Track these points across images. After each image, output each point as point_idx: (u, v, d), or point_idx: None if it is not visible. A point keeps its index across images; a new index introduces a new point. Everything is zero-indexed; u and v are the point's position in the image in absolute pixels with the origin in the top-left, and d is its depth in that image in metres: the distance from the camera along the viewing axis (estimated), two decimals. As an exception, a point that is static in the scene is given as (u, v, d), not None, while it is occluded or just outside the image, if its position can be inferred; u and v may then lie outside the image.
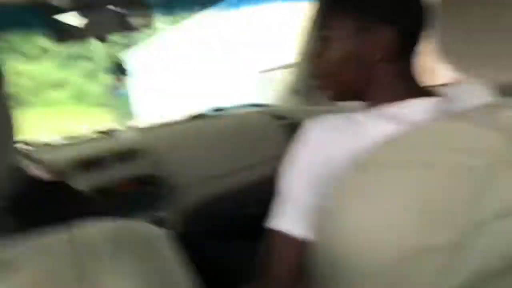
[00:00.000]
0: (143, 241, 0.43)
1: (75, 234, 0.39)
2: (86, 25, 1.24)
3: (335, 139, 0.74)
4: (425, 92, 0.79)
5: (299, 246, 0.73)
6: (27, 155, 1.19)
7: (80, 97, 20.50)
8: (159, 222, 1.38)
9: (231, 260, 1.41)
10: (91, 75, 20.13)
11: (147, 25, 1.33)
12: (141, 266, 0.39)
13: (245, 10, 10.47)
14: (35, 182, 1.07)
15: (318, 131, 0.75)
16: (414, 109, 0.75)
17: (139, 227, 0.47)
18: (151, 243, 0.44)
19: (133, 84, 16.34)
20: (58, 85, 21.04)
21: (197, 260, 1.48)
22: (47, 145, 1.63)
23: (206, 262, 1.47)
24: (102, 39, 1.27)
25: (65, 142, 1.66)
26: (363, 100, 0.86)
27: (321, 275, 0.70)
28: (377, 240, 0.58)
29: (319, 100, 1.93)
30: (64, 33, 1.18)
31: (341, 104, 1.75)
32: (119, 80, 1.23)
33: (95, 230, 0.41)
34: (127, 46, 17.99)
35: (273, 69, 9.45)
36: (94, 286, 0.35)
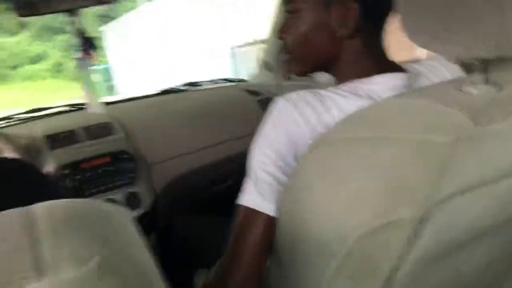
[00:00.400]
0: (103, 220, 0.41)
1: (30, 215, 0.38)
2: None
3: (302, 117, 0.74)
4: (393, 67, 0.81)
5: (266, 223, 0.74)
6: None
7: (59, 71, 20.08)
8: (132, 198, 1.38)
9: (203, 236, 1.42)
10: (69, 49, 19.70)
11: None
12: (101, 246, 0.37)
13: None
14: None
15: (285, 109, 0.76)
16: (381, 85, 0.78)
17: (100, 206, 0.45)
18: (111, 222, 0.41)
19: (113, 58, 16.06)
20: (36, 58, 20.54)
21: (169, 236, 1.51)
22: (18, 119, 1.61)
23: (178, 237, 1.49)
24: (70, 12, 1.24)
25: (36, 115, 1.64)
26: (332, 75, 0.87)
27: (284, 251, 0.71)
28: (339, 215, 0.58)
29: (291, 75, 1.93)
30: (29, 6, 1.16)
31: (314, 79, 1.78)
32: (88, 54, 1.21)
33: (52, 210, 0.40)
34: (106, 19, 17.58)
35: (245, 45, 9.39)
36: (50, 269, 0.34)
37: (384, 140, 0.57)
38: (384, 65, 0.81)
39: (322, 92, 0.77)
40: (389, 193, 0.54)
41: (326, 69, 0.88)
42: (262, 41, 1.89)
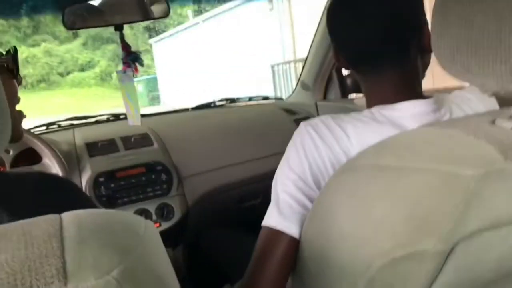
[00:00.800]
0: (127, 231, 0.42)
1: (59, 223, 0.40)
2: (104, 11, 1.28)
3: (323, 142, 0.77)
4: (416, 95, 0.81)
5: (288, 244, 0.74)
6: (38, 137, 1.23)
7: (104, 79, 20.79)
8: (164, 209, 1.40)
9: (230, 251, 1.43)
10: (116, 59, 20.37)
11: (165, 15, 1.35)
12: (123, 256, 0.38)
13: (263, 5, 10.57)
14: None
15: (307, 134, 0.79)
16: (402, 112, 0.78)
17: (125, 217, 0.46)
18: (135, 234, 0.42)
19: (159, 69, 16.52)
20: (85, 66, 21.36)
21: (197, 249, 1.52)
22: (61, 126, 1.68)
23: (205, 251, 1.51)
24: (118, 26, 1.29)
25: (78, 123, 1.71)
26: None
27: (308, 274, 0.71)
28: (362, 243, 0.57)
29: (328, 95, 1.94)
30: (78, 19, 1.22)
31: (350, 100, 1.77)
32: (130, 68, 1.26)
33: (80, 220, 0.41)
34: (156, 31, 18.16)
35: (285, 63, 9.46)
36: (73, 277, 0.35)
37: (410, 169, 0.56)
38: (407, 93, 0.81)
39: (344, 117, 0.79)
40: (412, 224, 0.53)
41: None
42: (301, 60, 1.91)
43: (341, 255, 0.60)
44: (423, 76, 0.88)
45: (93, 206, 0.75)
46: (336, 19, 0.86)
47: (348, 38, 0.84)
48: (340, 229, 0.61)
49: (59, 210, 0.54)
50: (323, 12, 1.73)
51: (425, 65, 0.87)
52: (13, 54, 0.78)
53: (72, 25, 1.23)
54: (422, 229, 0.52)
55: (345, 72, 1.92)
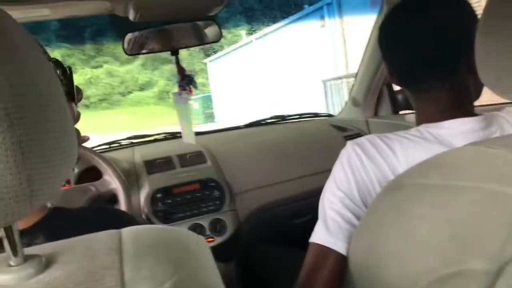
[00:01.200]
0: (180, 246, 0.45)
1: (119, 238, 0.43)
2: (160, 38, 1.36)
3: (370, 160, 0.78)
4: (465, 113, 0.81)
5: (336, 260, 0.76)
6: (101, 156, 1.32)
7: (162, 98, 21.50)
8: (217, 224, 1.45)
9: (281, 266, 1.44)
10: (173, 78, 21.05)
11: (217, 39, 1.42)
12: (176, 269, 0.41)
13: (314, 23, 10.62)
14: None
15: (354, 152, 0.81)
16: (449, 130, 0.79)
17: (178, 233, 0.49)
18: (187, 249, 0.45)
19: (214, 87, 16.88)
20: (144, 86, 22.24)
21: (249, 263, 1.55)
22: (121, 144, 1.78)
23: (257, 265, 1.53)
24: (174, 52, 1.36)
25: (136, 141, 1.81)
26: None
27: None
28: (409, 260, 0.57)
29: (379, 111, 1.93)
30: (136, 47, 1.30)
31: (401, 117, 1.75)
32: (185, 90, 1.32)
33: (137, 235, 0.44)
34: (210, 52, 18.65)
35: (336, 78, 9.39)
36: None
37: (456, 188, 0.56)
38: (456, 111, 0.81)
39: (391, 136, 0.81)
40: (459, 242, 0.53)
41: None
42: (353, 76, 1.91)
43: (388, 272, 0.61)
44: (477, 95, 0.87)
45: None
46: (388, 37, 0.88)
47: (397, 56, 0.86)
48: (386, 247, 0.62)
49: None
50: (373, 27, 1.73)
51: (478, 84, 0.85)
52: (68, 76, 0.81)
53: (131, 51, 1.31)
54: (469, 248, 0.52)
55: (396, 87, 1.90)
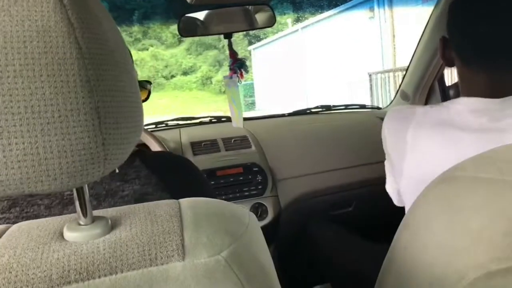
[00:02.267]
0: (235, 219, 0.46)
1: (178, 207, 0.45)
2: (213, 21, 1.38)
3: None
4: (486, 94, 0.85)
5: None
6: (150, 134, 1.36)
7: (205, 84, 21.75)
8: (259, 209, 1.47)
9: (322, 252, 1.45)
10: (217, 64, 21.23)
11: (270, 24, 1.42)
12: (232, 240, 0.42)
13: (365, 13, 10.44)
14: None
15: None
16: (463, 106, 0.85)
17: (233, 207, 0.51)
18: (241, 222, 0.46)
19: (257, 75, 16.96)
20: (187, 70, 22.54)
21: (288, 249, 1.56)
22: (169, 125, 1.83)
23: (297, 251, 1.54)
24: (227, 35, 1.38)
25: (183, 123, 1.84)
26: None
27: (394, 281, 0.72)
28: (457, 254, 0.55)
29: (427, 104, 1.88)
30: (191, 29, 1.32)
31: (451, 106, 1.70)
32: (236, 74, 1.34)
33: (195, 205, 0.46)
34: (254, 40, 18.65)
35: (384, 71, 9.20)
36: (190, 253, 0.40)
37: (511, 183, 0.55)
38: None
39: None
40: (511, 239, 0.52)
41: None
42: (401, 69, 1.87)
43: (434, 264, 0.60)
44: None
45: (208, 184, 0.86)
46: (464, 9, 0.87)
47: (472, 29, 0.85)
48: (435, 238, 0.61)
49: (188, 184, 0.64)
50: (428, 20, 1.69)
51: None
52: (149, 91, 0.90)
53: (187, 33, 1.34)
54: None
55: (448, 83, 1.85)
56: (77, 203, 0.42)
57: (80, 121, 0.37)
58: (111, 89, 0.39)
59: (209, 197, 0.70)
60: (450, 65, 0.94)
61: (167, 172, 0.74)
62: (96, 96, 0.37)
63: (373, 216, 1.72)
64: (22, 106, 0.35)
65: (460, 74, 0.92)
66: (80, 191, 0.42)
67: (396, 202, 1.05)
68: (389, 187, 1.06)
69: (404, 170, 0.90)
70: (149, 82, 0.92)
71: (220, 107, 16.26)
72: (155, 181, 0.69)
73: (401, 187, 0.93)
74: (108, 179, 0.67)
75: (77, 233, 0.41)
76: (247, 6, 1.39)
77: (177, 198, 0.49)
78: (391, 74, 8.71)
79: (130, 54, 0.87)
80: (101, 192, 0.67)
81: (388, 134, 0.95)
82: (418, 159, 0.86)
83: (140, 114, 0.45)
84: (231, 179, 1.48)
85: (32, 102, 0.35)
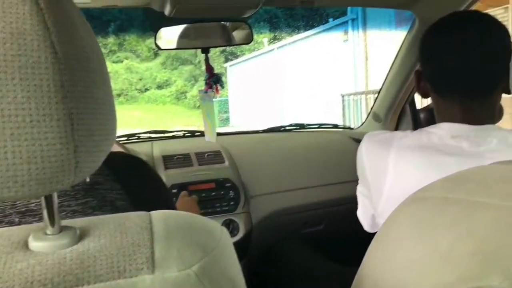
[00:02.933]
0: (207, 233, 0.46)
1: (149, 219, 0.44)
2: (191, 35, 1.38)
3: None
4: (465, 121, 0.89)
5: None
6: (122, 145, 1.33)
7: (179, 98, 21.64)
8: (230, 225, 1.45)
9: (291, 269, 1.45)
10: (192, 79, 21.20)
11: (247, 41, 1.43)
12: (203, 254, 0.42)
13: (336, 36, 10.69)
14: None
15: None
16: (445, 131, 0.87)
17: (205, 221, 0.51)
18: (213, 236, 0.46)
19: (231, 94, 17.02)
20: (162, 84, 22.41)
21: (258, 266, 1.55)
22: (141, 138, 1.80)
23: (266, 268, 1.53)
24: (204, 50, 1.38)
25: (156, 136, 1.82)
26: None
27: None
28: (427, 274, 0.56)
29: (399, 129, 1.93)
30: (169, 42, 1.32)
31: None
32: (211, 88, 1.34)
33: (167, 218, 0.45)
34: (231, 57, 18.78)
35: (356, 93, 9.40)
36: (160, 266, 0.39)
37: (480, 204, 0.56)
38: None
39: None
40: (479, 258, 0.53)
41: None
42: (373, 92, 1.92)
43: (405, 283, 0.61)
44: (499, 115, 0.93)
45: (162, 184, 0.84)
46: (433, 47, 0.92)
47: (443, 65, 0.91)
48: (405, 257, 0.62)
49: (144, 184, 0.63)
50: (401, 45, 1.74)
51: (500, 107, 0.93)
52: None
53: (163, 45, 1.33)
54: (489, 265, 0.51)
55: (418, 106, 1.90)
56: (44, 212, 0.41)
57: (52, 127, 0.36)
58: (86, 95, 0.38)
59: (161, 194, 0.70)
60: (425, 96, 0.99)
61: (119, 165, 0.73)
62: (70, 102, 0.37)
63: (342, 237, 1.73)
64: None
65: (435, 103, 0.96)
66: (48, 199, 0.40)
67: (368, 228, 1.06)
68: (361, 213, 1.07)
69: (384, 192, 0.91)
70: None
71: (194, 122, 16.20)
72: (106, 172, 0.68)
73: (379, 208, 0.95)
74: None
75: (43, 243, 0.39)
76: (225, 23, 1.40)
77: (129, 190, 0.48)
78: (363, 96, 8.90)
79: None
80: None
81: (367, 158, 0.97)
82: (399, 182, 0.88)
83: (113, 122, 0.44)
84: (203, 194, 1.47)
85: (3, 105, 0.34)
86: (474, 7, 1.45)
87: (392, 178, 0.89)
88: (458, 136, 0.86)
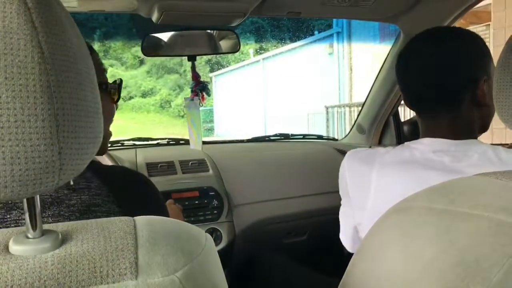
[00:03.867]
0: (192, 239, 0.46)
1: (133, 224, 0.44)
2: (177, 43, 1.38)
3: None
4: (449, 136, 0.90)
5: None
6: (108, 154, 1.32)
7: (163, 107, 21.56)
8: (213, 234, 1.44)
9: (274, 279, 1.44)
10: (177, 88, 21.14)
11: (234, 50, 1.44)
12: (188, 260, 0.42)
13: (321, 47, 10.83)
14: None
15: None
16: (428, 147, 0.89)
17: (190, 228, 0.50)
18: (198, 242, 0.46)
19: (216, 103, 17.02)
20: (146, 93, 22.31)
21: (241, 274, 1.54)
22: (125, 145, 1.79)
23: (249, 276, 1.52)
24: (191, 57, 1.38)
25: (140, 143, 1.81)
26: None
27: None
28: (409, 284, 0.56)
29: (383, 140, 1.95)
30: (155, 48, 1.32)
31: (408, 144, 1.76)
32: (197, 96, 1.34)
33: (152, 223, 0.45)
34: (216, 66, 18.80)
35: (340, 106, 9.52)
36: (143, 271, 0.39)
37: (464, 215, 0.56)
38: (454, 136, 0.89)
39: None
40: (461, 269, 0.53)
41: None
42: (357, 105, 1.94)
43: None
44: (484, 128, 0.96)
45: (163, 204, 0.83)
46: (403, 65, 0.97)
47: (410, 82, 0.95)
48: (388, 267, 0.62)
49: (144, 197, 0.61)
50: (386, 58, 1.76)
51: (482, 118, 0.94)
52: (118, 84, 0.89)
53: (149, 52, 1.33)
54: (471, 276, 0.51)
55: (402, 118, 1.92)
56: (26, 215, 0.40)
57: (37, 127, 0.35)
58: (72, 96, 0.38)
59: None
60: (408, 106, 1.02)
61: (120, 185, 0.72)
62: (56, 103, 0.36)
63: (325, 248, 1.73)
64: None
65: (417, 118, 1.00)
66: (30, 201, 0.40)
67: (350, 249, 1.06)
68: (343, 235, 1.08)
69: (367, 207, 0.93)
70: (121, 81, 0.90)
71: (178, 130, 16.11)
72: (105, 193, 0.67)
73: (363, 224, 0.95)
74: None
75: (24, 247, 0.39)
76: (212, 31, 1.41)
77: (128, 214, 0.47)
78: (347, 108, 8.99)
79: None
80: (47, 199, 0.64)
81: (350, 175, 0.97)
82: (382, 196, 0.89)
83: (99, 125, 0.43)
84: (187, 203, 1.45)
85: None
86: (457, 24, 1.48)
87: (375, 194, 0.90)
88: (440, 151, 0.87)
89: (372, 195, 0.91)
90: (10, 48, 0.34)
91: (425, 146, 0.89)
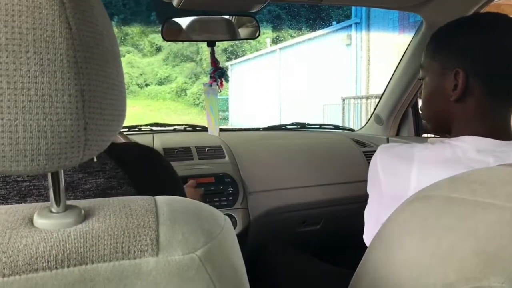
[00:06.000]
0: (212, 219, 0.46)
1: (155, 203, 0.44)
2: (196, 28, 1.38)
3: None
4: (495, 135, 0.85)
5: None
6: (124, 135, 1.33)
7: (179, 95, 21.64)
8: None
9: (287, 270, 1.45)
10: (193, 77, 21.18)
11: (254, 36, 1.43)
12: (208, 239, 0.42)
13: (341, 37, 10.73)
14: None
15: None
16: (468, 144, 0.84)
17: (210, 208, 0.51)
18: (217, 222, 0.46)
19: (231, 92, 17.04)
20: (162, 80, 22.39)
21: (254, 262, 1.55)
22: (142, 130, 1.80)
23: (263, 265, 1.53)
24: (211, 43, 1.38)
25: (157, 129, 1.82)
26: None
27: None
28: (427, 272, 0.57)
29: (401, 132, 1.93)
30: (175, 33, 1.32)
31: (422, 139, 1.75)
32: (216, 82, 1.33)
33: (172, 202, 0.45)
34: (232, 56, 18.77)
35: (356, 97, 9.45)
36: (164, 249, 0.39)
37: (484, 204, 0.56)
38: (494, 130, 0.86)
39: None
40: (480, 259, 0.52)
41: (448, 131, 0.95)
42: (374, 97, 1.92)
43: (404, 281, 0.61)
44: None
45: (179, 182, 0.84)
46: (498, 42, 0.86)
47: (499, 60, 0.86)
48: (406, 255, 0.61)
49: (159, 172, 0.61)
50: (406, 49, 1.74)
51: None
52: None
53: (169, 37, 1.33)
54: (490, 265, 0.51)
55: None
56: (50, 191, 0.40)
57: (64, 102, 0.35)
58: (98, 73, 0.38)
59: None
60: (460, 100, 0.90)
61: (135, 165, 0.71)
62: (83, 79, 0.36)
63: (338, 237, 1.73)
64: (4, 81, 0.34)
65: (468, 110, 0.90)
66: (55, 176, 0.40)
67: None
68: (369, 234, 1.00)
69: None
70: None
71: (193, 119, 16.19)
72: (121, 175, 0.67)
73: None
74: (70, 170, 0.64)
75: (48, 221, 0.39)
76: (231, 17, 1.40)
77: (145, 194, 0.48)
78: (363, 100, 8.92)
79: None
80: None
81: (384, 173, 0.91)
82: None
83: (123, 104, 0.44)
84: (202, 188, 1.46)
85: (16, 78, 0.34)
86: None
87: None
88: (484, 150, 0.83)
89: (410, 194, 0.87)
90: (39, 23, 0.35)
91: (468, 145, 0.84)
